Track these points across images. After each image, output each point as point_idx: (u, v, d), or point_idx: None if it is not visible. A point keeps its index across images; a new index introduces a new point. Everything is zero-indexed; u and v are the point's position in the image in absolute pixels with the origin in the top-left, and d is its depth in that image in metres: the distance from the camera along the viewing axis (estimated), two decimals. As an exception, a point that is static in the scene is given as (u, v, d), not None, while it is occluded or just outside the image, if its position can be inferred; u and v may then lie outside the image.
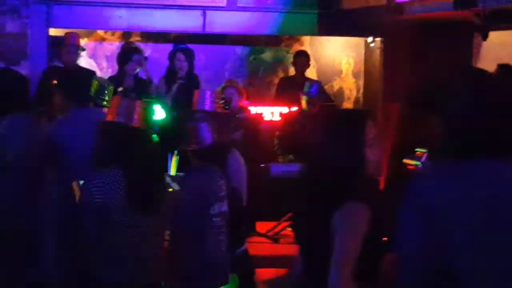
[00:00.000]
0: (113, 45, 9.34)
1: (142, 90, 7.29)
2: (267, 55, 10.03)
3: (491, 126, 2.39)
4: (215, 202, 4.49)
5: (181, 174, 4.72)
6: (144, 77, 7.56)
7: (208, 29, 8.80)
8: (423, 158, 5.11)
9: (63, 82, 5.14)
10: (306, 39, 9.92)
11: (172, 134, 6.82)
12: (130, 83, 7.34)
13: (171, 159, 5.50)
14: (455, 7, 6.65)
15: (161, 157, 6.84)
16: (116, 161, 3.57)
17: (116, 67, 7.72)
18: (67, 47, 7.25)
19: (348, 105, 10.08)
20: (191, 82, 7.42)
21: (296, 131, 7.80)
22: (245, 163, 5.15)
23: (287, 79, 9.07)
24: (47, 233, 3.29)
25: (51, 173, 3.50)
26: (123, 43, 8.64)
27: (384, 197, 2.85)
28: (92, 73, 7.70)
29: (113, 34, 9.51)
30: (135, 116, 3.65)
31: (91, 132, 3.74)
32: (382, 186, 6.24)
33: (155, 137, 6.58)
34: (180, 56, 7.56)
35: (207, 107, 4.97)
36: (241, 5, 8.81)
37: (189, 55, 7.62)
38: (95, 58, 9.44)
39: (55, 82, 5.45)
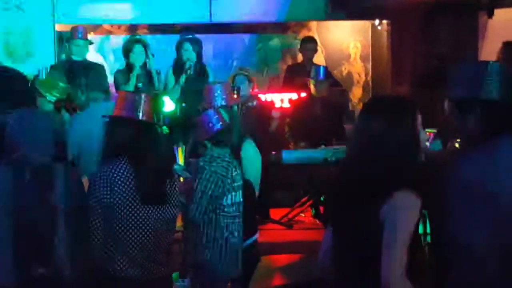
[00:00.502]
0: (120, 39, 9.34)
1: (149, 82, 7.28)
2: (275, 42, 10.00)
3: None
4: (229, 192, 4.50)
5: (193, 160, 4.66)
6: (151, 69, 7.50)
7: (215, 19, 8.78)
8: (430, 139, 5.12)
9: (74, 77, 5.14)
10: (313, 24, 9.87)
11: (182, 125, 6.85)
12: (139, 75, 7.31)
13: (177, 150, 5.50)
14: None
15: (170, 149, 6.89)
16: (124, 155, 3.58)
17: (123, 60, 7.70)
18: (74, 41, 7.27)
19: (357, 89, 10.06)
20: (200, 72, 7.37)
21: (307, 117, 7.81)
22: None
23: (295, 66, 9.03)
24: (59, 229, 3.30)
25: (62, 168, 3.49)
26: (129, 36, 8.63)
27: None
28: (102, 67, 7.72)
29: (119, 28, 9.51)
30: (143, 110, 3.66)
31: (101, 127, 3.77)
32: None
33: (165, 129, 6.61)
34: (188, 46, 7.45)
35: (219, 102, 4.98)
36: (246, -7, 8.79)
37: (197, 45, 7.44)
38: (102, 52, 9.44)
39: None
